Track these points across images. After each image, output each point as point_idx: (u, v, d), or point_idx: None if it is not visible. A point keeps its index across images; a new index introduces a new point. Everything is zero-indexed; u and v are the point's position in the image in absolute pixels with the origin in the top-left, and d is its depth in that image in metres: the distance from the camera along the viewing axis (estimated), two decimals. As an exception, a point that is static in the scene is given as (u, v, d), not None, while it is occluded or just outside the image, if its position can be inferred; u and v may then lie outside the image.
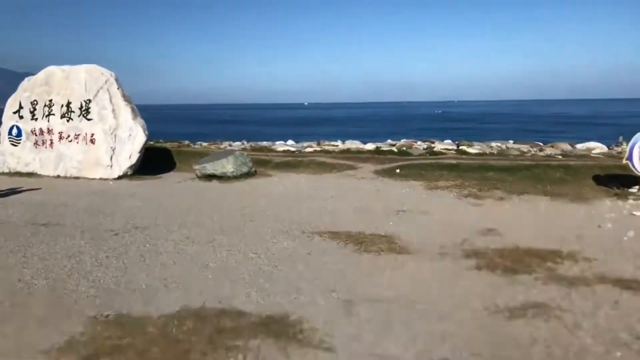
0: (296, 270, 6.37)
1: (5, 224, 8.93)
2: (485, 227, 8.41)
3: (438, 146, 17.64)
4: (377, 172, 14.49)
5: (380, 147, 18.09)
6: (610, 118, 79.48)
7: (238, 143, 22.51)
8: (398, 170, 14.44)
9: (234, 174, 14.03)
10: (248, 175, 14.29)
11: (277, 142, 22.73)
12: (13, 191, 12.36)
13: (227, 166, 14.02)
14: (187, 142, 21.56)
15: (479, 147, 17.41)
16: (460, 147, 17.15)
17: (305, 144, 20.77)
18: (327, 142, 21.58)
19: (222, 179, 13.86)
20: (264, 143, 22.45)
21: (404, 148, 17.70)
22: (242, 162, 14.35)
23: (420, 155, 16.57)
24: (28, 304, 5.37)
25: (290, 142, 23.00)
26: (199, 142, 22.89)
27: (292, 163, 16.07)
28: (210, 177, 14.03)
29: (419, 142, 18.84)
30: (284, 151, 18.51)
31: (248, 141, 23.11)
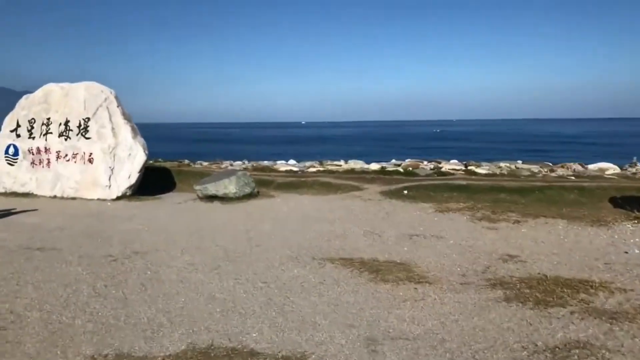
0: (310, 302, 5.90)
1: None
2: (506, 253, 7.98)
3: (445, 166, 17.27)
4: (384, 194, 14.07)
5: (385, 167, 17.71)
6: (614, 137, 79.65)
7: (239, 162, 22.14)
8: (406, 192, 14.03)
9: (237, 194, 13.59)
10: (251, 196, 13.86)
11: (279, 162, 22.38)
12: (7, 213, 11.89)
13: (229, 187, 13.59)
14: (187, 161, 21.16)
15: (487, 167, 17.05)
16: (469, 168, 16.78)
17: (307, 164, 20.41)
18: (329, 162, 21.23)
19: (224, 200, 13.43)
20: (265, 162, 22.09)
21: (410, 168, 17.31)
22: (244, 183, 13.92)
23: (427, 175, 16.17)
24: (20, 340, 4.88)
25: (291, 161, 22.64)
26: (198, 162, 22.51)
27: (295, 183, 15.66)
28: (212, 197, 13.59)
29: (425, 162, 18.48)
30: (286, 171, 18.11)
31: (249, 160, 22.74)
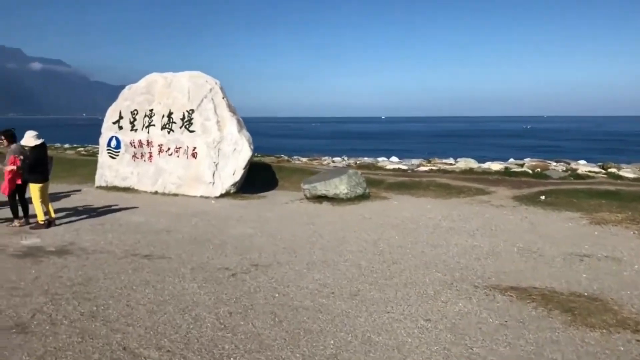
0: (501, 356, 4.36)
1: (105, 253, 7.57)
2: None
3: (582, 168, 15.01)
4: (517, 199, 12.20)
5: (509, 167, 15.71)
6: None
7: (338, 159, 20.86)
8: (543, 197, 12.09)
9: (348, 195, 12.26)
10: (362, 197, 12.47)
11: (380, 159, 20.86)
12: (109, 209, 11.24)
13: (340, 187, 12.27)
14: (285, 157, 20.14)
15: (629, 169, 14.64)
16: (609, 170, 14.45)
17: (414, 161, 18.74)
18: (437, 160, 19.45)
19: (334, 201, 12.14)
20: (366, 159, 20.65)
21: (538, 169, 15.21)
22: (356, 183, 12.55)
23: (562, 178, 14.06)
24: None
25: (394, 158, 21.06)
26: (295, 157, 21.48)
27: (408, 184, 14.09)
28: (320, 198, 12.35)
29: (554, 163, 16.26)
30: (394, 169, 16.57)
31: (349, 157, 21.41)
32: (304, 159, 19.88)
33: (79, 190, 14.03)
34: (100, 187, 14.43)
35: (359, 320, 5.09)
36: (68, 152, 23.56)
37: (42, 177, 9.26)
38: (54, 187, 12.57)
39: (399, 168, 16.59)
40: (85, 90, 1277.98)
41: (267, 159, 18.50)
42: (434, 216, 10.54)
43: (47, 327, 4.84)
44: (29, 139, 9.13)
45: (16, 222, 9.38)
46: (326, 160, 19.18)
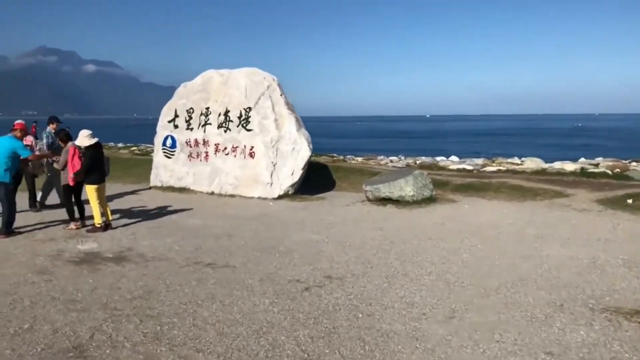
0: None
1: (165, 261, 7.05)
2: None
3: (669, 169, 13.68)
4: (600, 202, 11.11)
5: (585, 168, 14.51)
6: None
7: (394, 158, 20.03)
8: (630, 201, 10.96)
9: (414, 198, 11.43)
10: (430, 200, 11.62)
11: (438, 158, 19.88)
12: (165, 210, 10.81)
13: (405, 188, 11.46)
14: (340, 156, 19.44)
15: None
16: None
17: (477, 161, 17.70)
18: (501, 159, 18.34)
19: (399, 204, 11.34)
20: (423, 158, 19.72)
21: (618, 170, 13.96)
22: (422, 185, 11.71)
23: (648, 180, 12.81)
24: None
25: (454, 158, 20.04)
26: (349, 156, 20.76)
27: (477, 185, 13.14)
28: (384, 200, 11.58)
29: (634, 163, 14.93)
30: (458, 170, 15.60)
31: (405, 156, 20.53)
32: (359, 159, 19.12)
33: (136, 192, 13.71)
34: (155, 187, 14.10)
35: (466, 353, 4.30)
36: (122, 151, 23.61)
37: (98, 177, 8.85)
38: (108, 188, 12.27)
39: (463, 168, 15.61)
40: (136, 91, 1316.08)
41: (321, 159, 17.85)
42: (514, 222, 9.60)
43: (108, 351, 4.28)
44: (83, 139, 8.72)
45: (72, 225, 9.01)
46: (383, 160, 18.36)
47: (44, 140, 10.59)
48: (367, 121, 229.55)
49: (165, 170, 13.99)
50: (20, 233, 8.56)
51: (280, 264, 6.88)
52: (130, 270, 6.57)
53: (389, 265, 6.84)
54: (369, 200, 11.92)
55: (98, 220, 8.75)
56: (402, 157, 19.63)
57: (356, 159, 19.11)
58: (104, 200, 9.03)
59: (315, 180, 14.14)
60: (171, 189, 13.76)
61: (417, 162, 17.33)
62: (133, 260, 7.05)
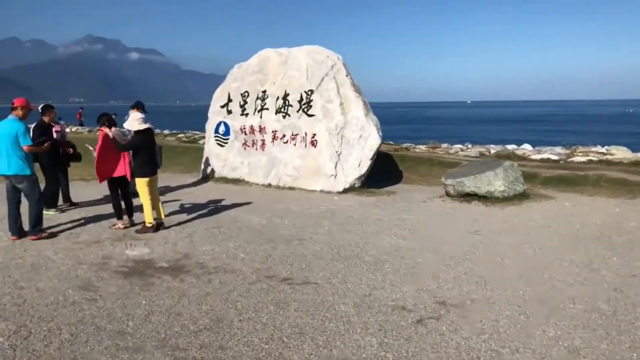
0: None
1: (230, 273, 5.79)
2: None
3: None
4: None
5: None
6: None
7: (459, 145, 18.35)
8: None
9: (504, 194, 9.88)
10: (522, 196, 10.04)
11: (508, 146, 18.08)
12: (221, 205, 9.61)
13: (495, 182, 9.92)
14: (403, 144, 17.90)
15: None
16: None
17: (559, 150, 15.87)
18: (582, 148, 16.45)
19: (486, 201, 9.83)
20: (493, 146, 17.96)
21: None
22: (514, 178, 10.14)
23: None
24: None
25: (526, 145, 18.20)
26: (406, 144, 19.16)
27: (570, 178, 11.44)
28: (468, 196, 10.07)
29: None
30: (542, 160, 13.88)
31: (472, 143, 18.81)
32: (422, 147, 17.51)
33: (186, 183, 12.61)
34: (206, 178, 12.96)
35: None
36: (168, 138, 22.71)
37: (150, 169, 7.62)
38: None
39: (548, 158, 13.87)
40: (178, 79, 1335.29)
41: (382, 147, 16.34)
42: (638, 224, 7.95)
43: None
44: (133, 122, 7.50)
45: (120, 224, 7.88)
46: (453, 148, 16.71)
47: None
48: (404, 107, 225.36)
49: (218, 159, 12.81)
50: (46, 235, 7.30)
51: (373, 282, 5.52)
52: (190, 287, 5.33)
53: (513, 286, 5.38)
54: (448, 195, 10.44)
55: (149, 218, 7.58)
56: (469, 145, 17.93)
57: (419, 147, 17.51)
58: (156, 195, 7.84)
59: (379, 170, 12.67)
60: (224, 180, 12.60)
61: (492, 151, 15.62)
62: (193, 272, 5.81)
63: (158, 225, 7.73)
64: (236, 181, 12.38)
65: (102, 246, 6.90)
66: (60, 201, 9.45)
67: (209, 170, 12.99)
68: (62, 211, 9.19)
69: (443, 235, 7.53)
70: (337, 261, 6.25)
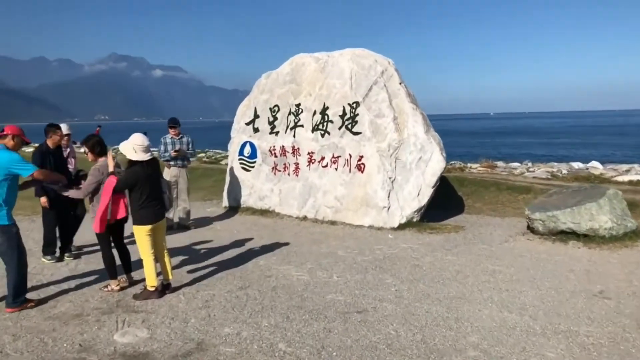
0: None
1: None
2: None
3: None
4: None
5: None
6: None
7: (516, 164, 16.05)
8: None
9: (612, 232, 7.61)
10: (635, 234, 7.74)
11: (575, 164, 15.71)
12: (248, 250, 7.54)
13: (599, 217, 7.65)
14: (456, 163, 15.69)
15: None
16: None
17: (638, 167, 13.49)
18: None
19: (588, 241, 7.57)
20: (555, 164, 15.63)
21: None
22: (621, 211, 7.87)
23: None
24: None
25: (595, 163, 15.83)
26: (454, 161, 16.94)
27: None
28: (562, 233, 7.83)
29: None
30: (630, 182, 11.53)
31: (533, 162, 16.48)
32: (476, 165, 15.27)
33: (206, 215, 10.61)
34: (230, 208, 10.95)
35: None
36: (188, 158, 20.84)
37: (152, 213, 5.52)
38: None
39: (638, 180, 11.50)
40: (201, 95, 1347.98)
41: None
42: None
43: None
44: (129, 148, 5.40)
45: (113, 285, 5.82)
46: (517, 168, 14.40)
47: (160, 148, 9.28)
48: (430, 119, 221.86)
49: (244, 186, 10.78)
50: (32, 305, 5.35)
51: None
52: None
53: None
54: (533, 232, 8.22)
55: (152, 281, 5.51)
56: (529, 162, 15.63)
57: (474, 166, 15.27)
58: (161, 247, 5.75)
59: (433, 196, 10.51)
60: (250, 210, 10.56)
61: (563, 171, 13.29)
62: (208, 385, 3.71)
63: (164, 287, 5.68)
64: (265, 212, 10.33)
65: (84, 324, 4.86)
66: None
67: (232, 198, 10.97)
68: (59, 260, 7.20)
69: (559, 299, 5.34)
70: (426, 356, 4.09)
